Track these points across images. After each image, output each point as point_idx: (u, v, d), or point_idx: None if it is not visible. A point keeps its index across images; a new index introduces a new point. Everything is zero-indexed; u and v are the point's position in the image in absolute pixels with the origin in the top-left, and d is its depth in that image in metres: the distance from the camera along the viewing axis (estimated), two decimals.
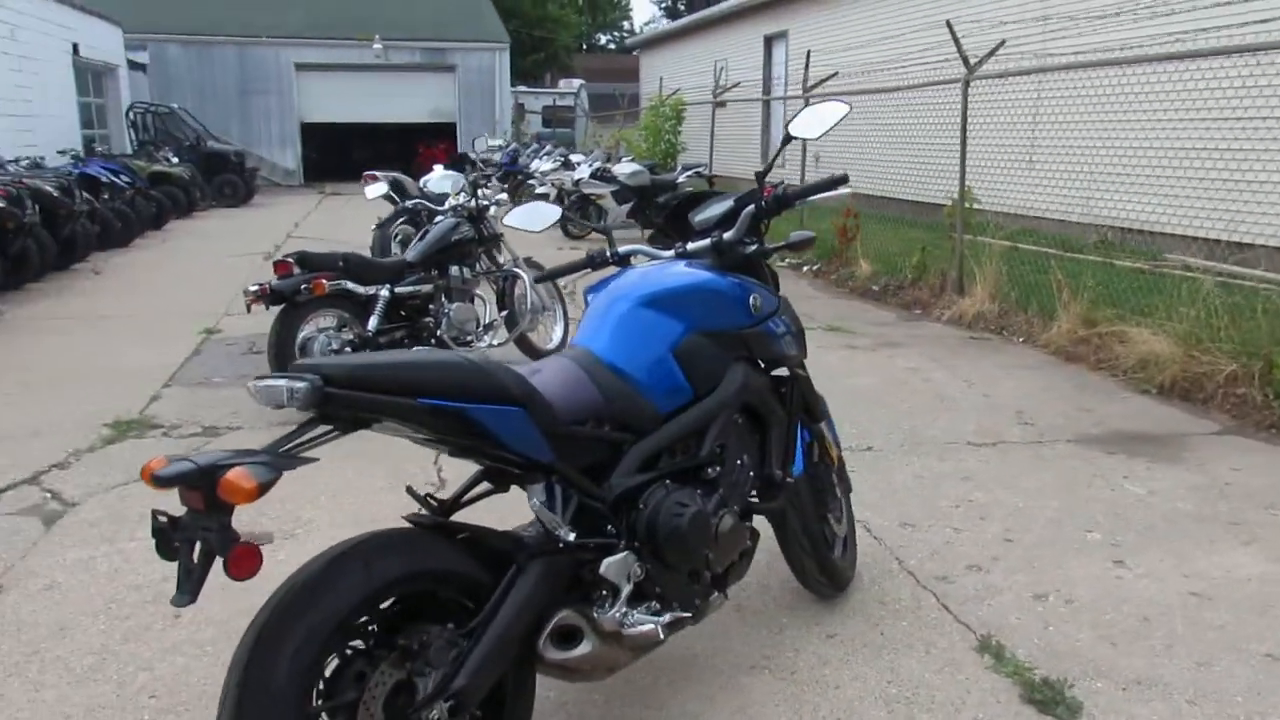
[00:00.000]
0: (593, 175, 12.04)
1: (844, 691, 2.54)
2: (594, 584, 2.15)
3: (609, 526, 2.22)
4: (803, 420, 2.81)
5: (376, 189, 8.13)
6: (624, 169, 11.81)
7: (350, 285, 5.08)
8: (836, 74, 10.86)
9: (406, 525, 2.00)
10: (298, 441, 1.76)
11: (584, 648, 2.10)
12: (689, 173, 12.81)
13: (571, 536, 2.07)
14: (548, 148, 17.00)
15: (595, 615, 2.12)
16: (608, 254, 2.71)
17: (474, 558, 2.00)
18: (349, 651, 1.84)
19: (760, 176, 2.63)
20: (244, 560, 1.59)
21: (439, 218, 5.94)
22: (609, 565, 2.14)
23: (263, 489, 1.57)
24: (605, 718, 2.45)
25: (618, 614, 2.15)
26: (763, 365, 2.63)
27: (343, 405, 1.76)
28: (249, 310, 5.01)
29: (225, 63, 23.24)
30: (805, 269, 9.87)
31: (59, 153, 13.35)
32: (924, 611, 2.94)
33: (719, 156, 15.08)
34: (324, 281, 4.92)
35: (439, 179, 9.57)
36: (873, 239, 9.49)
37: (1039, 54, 10.27)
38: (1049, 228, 9.43)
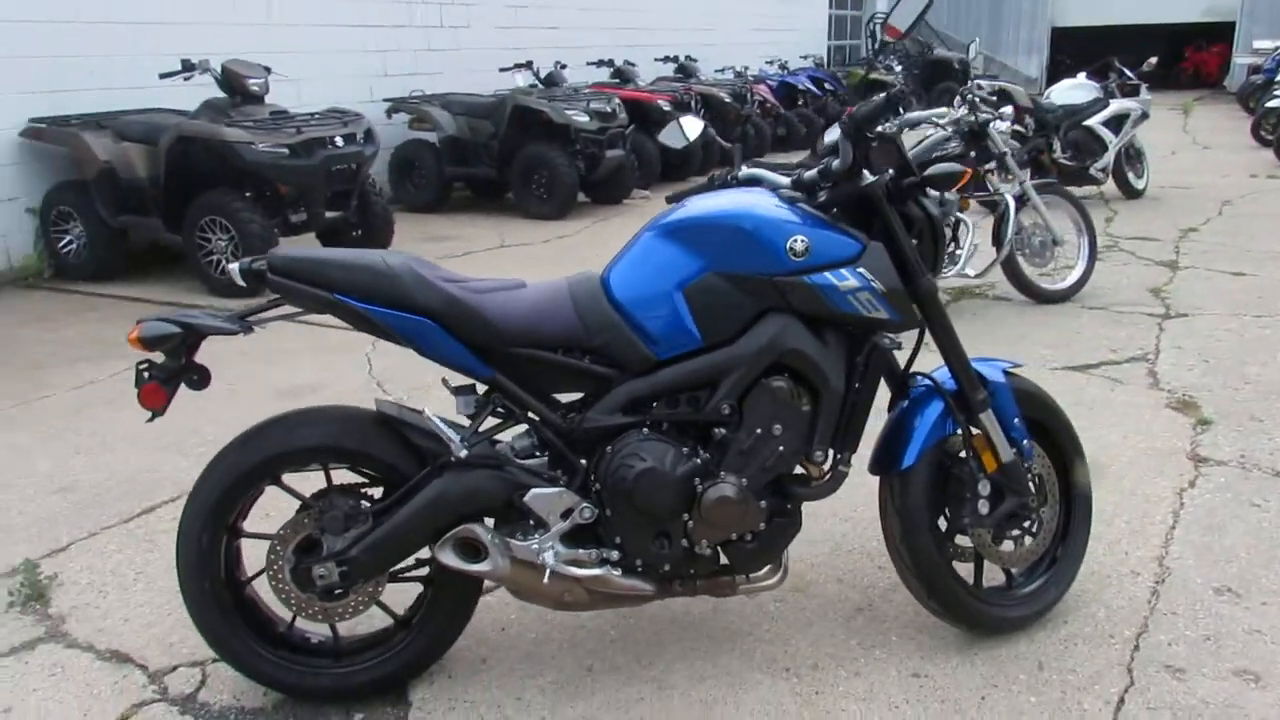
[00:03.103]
0: None
1: None
2: (522, 510, 2.13)
3: (582, 460, 2.15)
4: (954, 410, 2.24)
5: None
6: None
7: None
8: None
9: (368, 408, 2.23)
10: (260, 315, 2.13)
11: (486, 565, 2.12)
12: None
13: (464, 453, 2.08)
14: None
15: (511, 539, 2.12)
16: (729, 175, 2.44)
17: (404, 450, 2.15)
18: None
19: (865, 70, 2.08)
20: (150, 395, 2.04)
21: (931, 131, 5.47)
22: (535, 496, 2.11)
23: (141, 341, 1.98)
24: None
25: (536, 545, 2.11)
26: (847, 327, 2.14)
27: (276, 289, 2.07)
28: None
29: None
30: None
31: (801, 58, 15.07)
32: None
33: None
34: None
35: (1067, 89, 8.56)
36: None
37: None
38: None
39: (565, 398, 2.20)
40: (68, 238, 6.47)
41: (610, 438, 2.14)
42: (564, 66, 9.17)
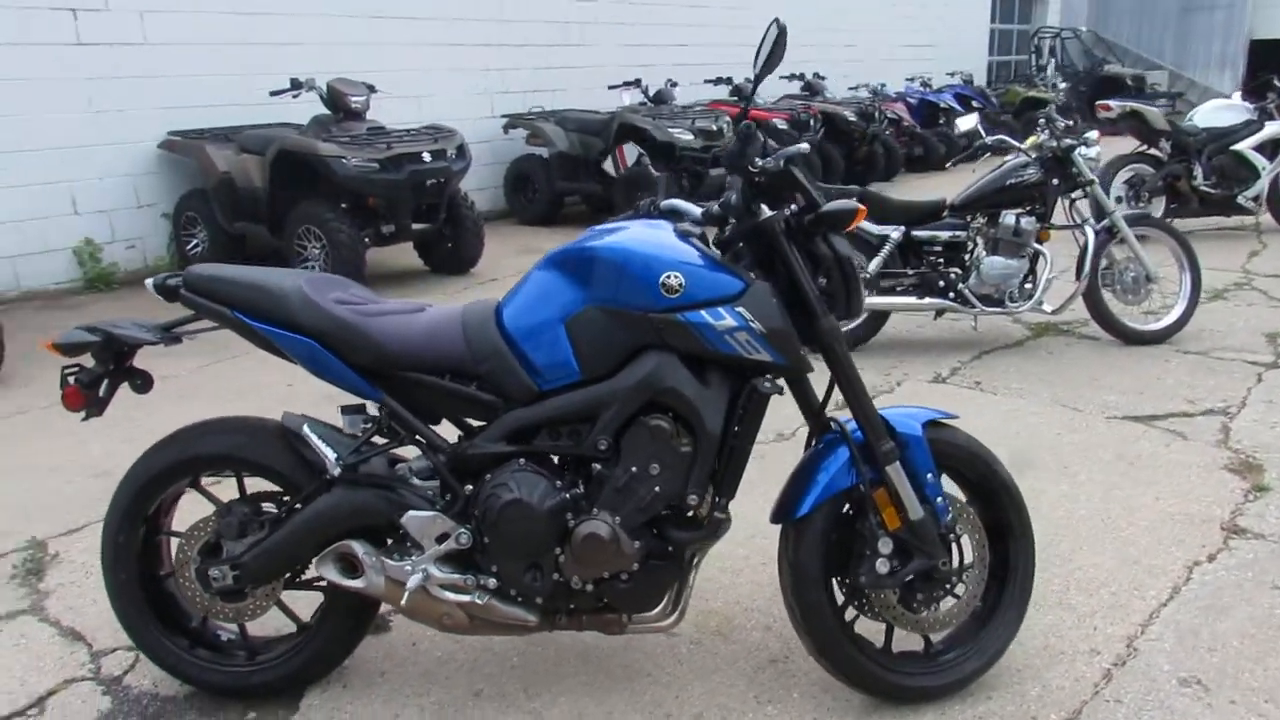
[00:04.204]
0: None
1: None
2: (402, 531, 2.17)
3: (468, 486, 2.17)
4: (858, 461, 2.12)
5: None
6: None
7: (862, 221, 4.89)
8: None
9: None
10: (184, 327, 2.27)
11: (360, 581, 2.17)
12: None
13: (336, 471, 2.13)
14: None
15: (387, 559, 2.16)
16: (651, 205, 2.39)
17: (300, 464, 2.24)
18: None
19: (743, 107, 2.00)
20: (68, 397, 2.20)
21: (1010, 156, 5.15)
22: (410, 518, 2.14)
23: (56, 347, 2.14)
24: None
25: (409, 565, 2.15)
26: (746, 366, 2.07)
27: (186, 304, 2.20)
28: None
29: None
30: None
31: (948, 74, 14.57)
32: None
33: None
34: None
35: (1213, 110, 7.90)
36: None
37: None
38: None
39: (472, 424, 2.23)
40: (194, 241, 7.03)
41: (493, 466, 2.15)
42: (675, 84, 9.21)
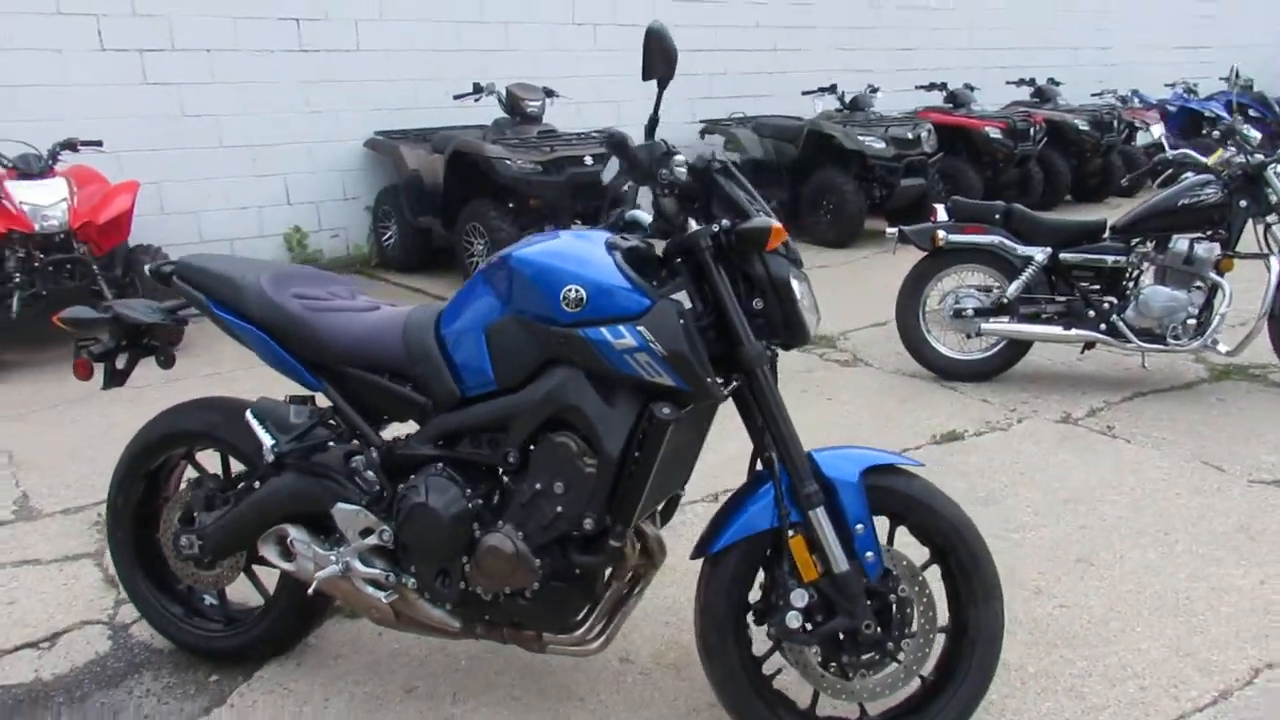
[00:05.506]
0: None
1: None
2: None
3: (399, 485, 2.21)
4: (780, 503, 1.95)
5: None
6: None
7: (1003, 240, 4.47)
8: None
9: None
10: (184, 311, 2.47)
11: (293, 565, 2.26)
12: None
13: (270, 457, 2.22)
14: None
15: (316, 546, 2.23)
16: (620, 216, 2.30)
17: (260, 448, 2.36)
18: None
19: (649, 129, 1.87)
20: (77, 368, 2.44)
21: (1189, 173, 4.48)
22: (338, 510, 2.21)
23: (63, 321, 2.38)
24: None
25: (334, 555, 2.21)
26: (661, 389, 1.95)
27: (178, 291, 2.39)
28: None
29: None
30: None
31: (1221, 79, 13.00)
32: None
33: None
34: (941, 234, 4.50)
35: None
36: None
37: None
38: None
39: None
40: (388, 233, 7.58)
41: (420, 467, 2.17)
42: (876, 90, 8.80)
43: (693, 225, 1.96)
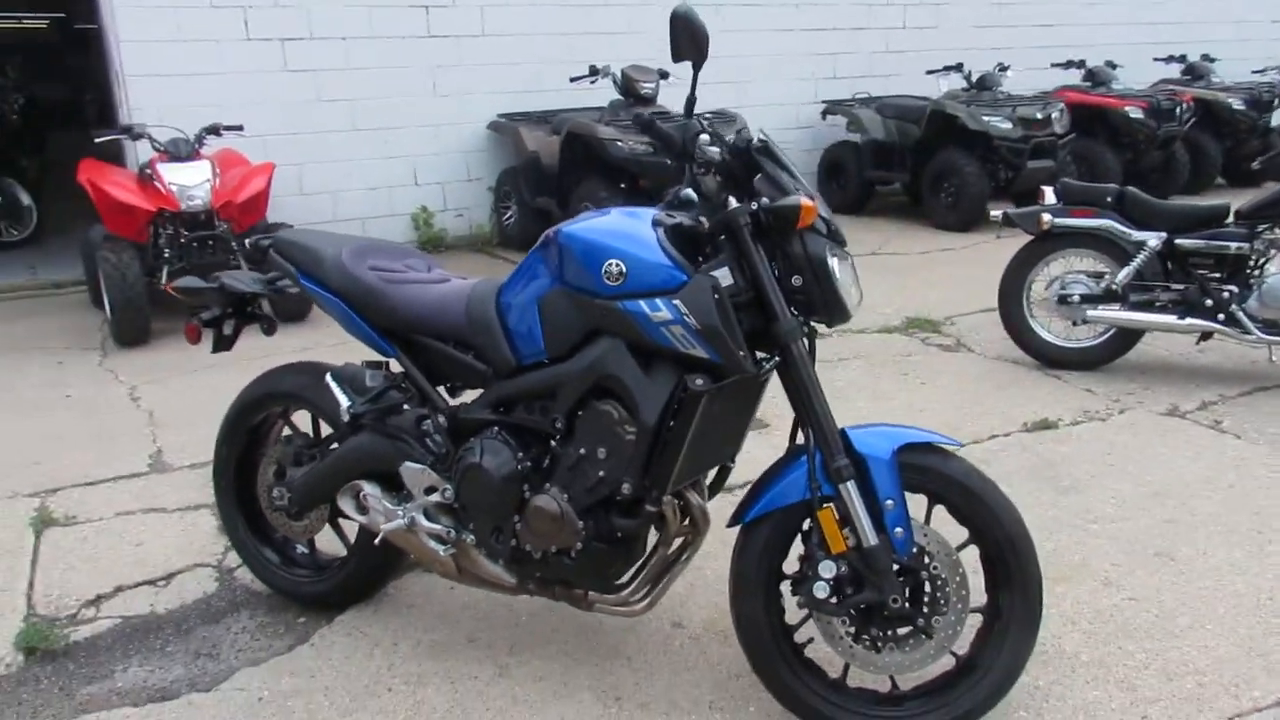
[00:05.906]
0: None
1: None
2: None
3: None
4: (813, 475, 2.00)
5: None
6: None
7: (1114, 224, 4.29)
8: None
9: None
10: (279, 283, 2.69)
11: (365, 518, 2.44)
12: None
13: (345, 418, 2.39)
14: None
15: (386, 502, 2.41)
16: (677, 194, 2.37)
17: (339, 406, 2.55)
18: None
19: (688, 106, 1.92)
20: (187, 332, 2.69)
21: None
22: (405, 469, 2.37)
23: (175, 289, 2.63)
24: None
25: (400, 510, 2.37)
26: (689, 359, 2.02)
27: (272, 265, 2.61)
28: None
29: None
30: None
31: None
32: None
33: None
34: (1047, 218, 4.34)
35: None
36: None
37: None
38: None
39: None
40: (509, 212, 7.84)
41: (480, 430, 2.31)
42: (1006, 68, 8.46)
43: (732, 203, 2.02)
